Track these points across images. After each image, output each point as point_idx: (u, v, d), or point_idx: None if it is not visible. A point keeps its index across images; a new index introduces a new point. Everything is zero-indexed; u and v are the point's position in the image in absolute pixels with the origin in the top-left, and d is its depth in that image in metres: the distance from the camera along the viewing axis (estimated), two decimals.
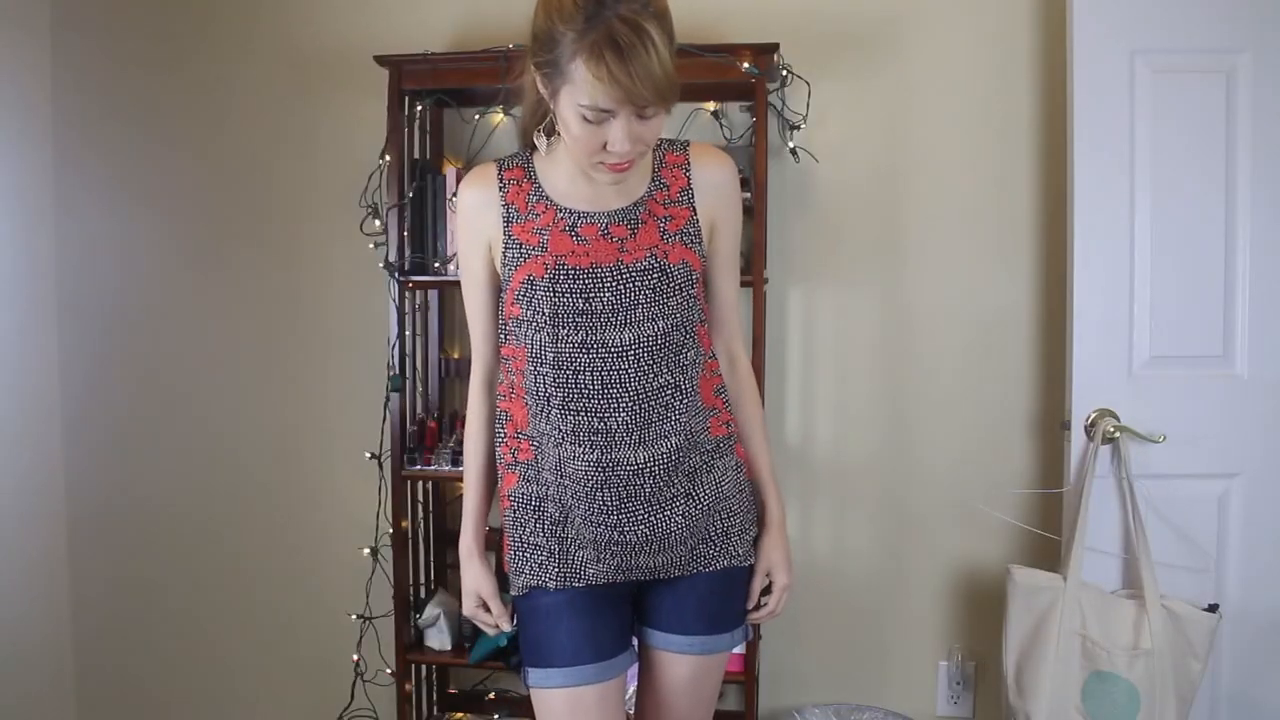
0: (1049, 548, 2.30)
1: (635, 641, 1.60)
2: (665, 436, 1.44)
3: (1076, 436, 2.14)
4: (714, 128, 2.48)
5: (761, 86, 2.26)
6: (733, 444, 1.56)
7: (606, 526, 1.45)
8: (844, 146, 2.49)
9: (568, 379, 1.42)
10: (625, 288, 1.41)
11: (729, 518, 1.53)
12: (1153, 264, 2.14)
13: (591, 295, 1.41)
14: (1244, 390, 2.16)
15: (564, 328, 1.41)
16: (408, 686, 2.48)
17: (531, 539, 1.51)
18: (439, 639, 2.46)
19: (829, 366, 2.54)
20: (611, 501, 1.44)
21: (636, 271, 1.41)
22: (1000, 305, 2.47)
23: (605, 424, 1.42)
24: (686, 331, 1.46)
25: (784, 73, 2.40)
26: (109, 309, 2.77)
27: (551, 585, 1.50)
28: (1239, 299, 2.15)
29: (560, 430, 1.44)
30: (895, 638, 2.55)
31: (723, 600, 1.56)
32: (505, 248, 1.46)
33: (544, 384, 1.44)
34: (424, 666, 2.58)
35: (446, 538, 2.64)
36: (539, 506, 1.50)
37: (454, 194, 2.39)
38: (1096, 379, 2.15)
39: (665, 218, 1.46)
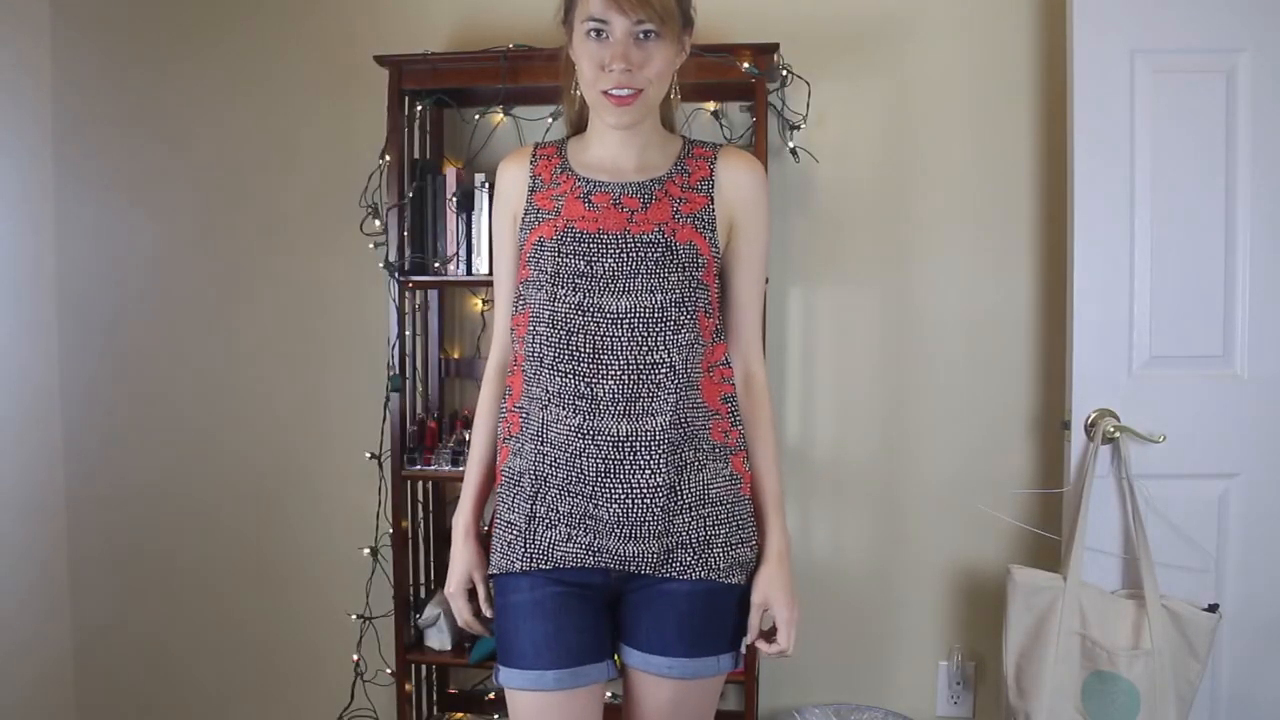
0: (1049, 548, 2.30)
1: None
2: (652, 414, 1.42)
3: (1076, 436, 2.14)
4: (714, 128, 2.48)
5: (761, 86, 2.26)
6: (731, 454, 1.51)
7: (582, 497, 1.43)
8: (844, 146, 2.49)
9: (560, 339, 1.43)
10: (628, 256, 1.43)
11: (713, 527, 1.47)
12: (1153, 264, 2.14)
13: (594, 259, 1.43)
14: (1244, 390, 2.16)
15: (562, 288, 1.44)
16: (408, 686, 2.48)
17: (508, 516, 1.50)
18: (439, 639, 2.46)
19: (829, 366, 2.54)
20: (589, 471, 1.42)
21: (642, 243, 1.43)
22: (1000, 305, 2.47)
23: (592, 389, 1.42)
24: (686, 312, 1.44)
25: (784, 73, 2.40)
26: (109, 309, 2.78)
27: (518, 567, 1.47)
28: (1239, 299, 2.15)
29: (548, 392, 1.44)
30: (895, 638, 2.55)
31: (706, 620, 1.48)
32: (525, 213, 1.53)
33: (539, 344, 1.46)
34: (424, 666, 2.58)
35: (446, 538, 2.63)
36: (518, 480, 1.49)
37: (454, 193, 2.39)
38: (1096, 379, 2.15)
39: (680, 199, 1.48)
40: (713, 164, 1.51)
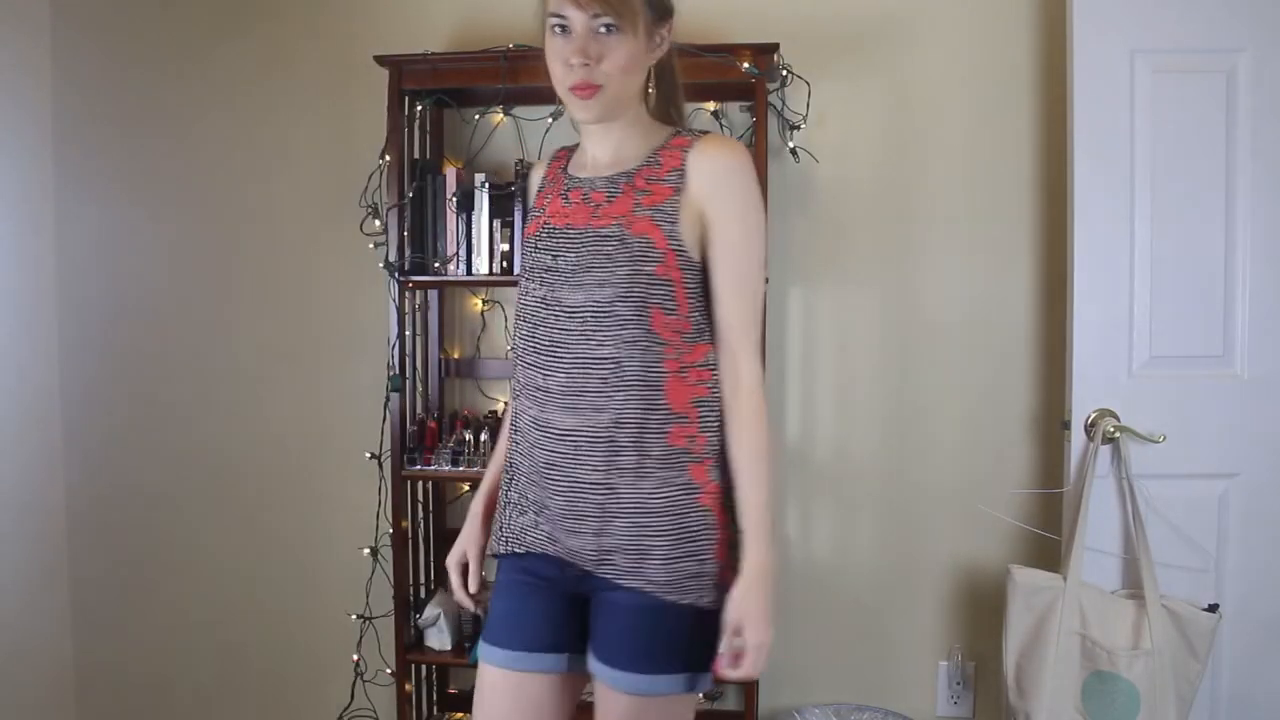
0: (1049, 548, 2.30)
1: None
2: (596, 410, 1.41)
3: (1076, 436, 2.14)
4: (714, 128, 2.48)
5: (761, 86, 2.26)
6: (692, 461, 1.43)
7: (539, 486, 1.47)
8: (844, 146, 2.49)
9: (528, 332, 1.48)
10: (587, 250, 1.43)
11: (654, 538, 1.41)
12: (1153, 264, 2.14)
13: (559, 254, 1.45)
14: (1244, 390, 2.16)
15: (532, 282, 1.48)
16: (408, 686, 2.48)
17: (500, 500, 1.58)
18: (439, 639, 2.46)
19: (829, 366, 2.54)
20: (541, 462, 1.46)
21: (600, 236, 1.43)
22: (1000, 305, 2.47)
23: (545, 381, 1.44)
24: (633, 307, 1.40)
25: (784, 73, 2.40)
26: (109, 309, 2.77)
27: (501, 549, 1.54)
28: (1239, 299, 2.15)
29: (519, 383, 1.50)
30: (895, 638, 2.55)
31: (649, 637, 1.41)
32: (528, 213, 1.60)
33: (516, 337, 1.52)
34: (424, 666, 2.58)
35: (446, 537, 2.64)
36: (507, 468, 1.57)
37: (454, 193, 2.39)
38: (1096, 379, 2.15)
39: (644, 191, 1.44)
40: (686, 152, 1.45)
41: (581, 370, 1.42)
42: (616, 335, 1.41)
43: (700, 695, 1.50)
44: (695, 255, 1.44)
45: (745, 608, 1.38)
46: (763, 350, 2.28)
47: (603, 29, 1.39)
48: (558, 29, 1.41)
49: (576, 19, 1.39)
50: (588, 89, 1.40)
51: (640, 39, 1.42)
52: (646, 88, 1.50)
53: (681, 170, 1.44)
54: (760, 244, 1.46)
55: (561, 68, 1.42)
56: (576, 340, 1.42)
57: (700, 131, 1.51)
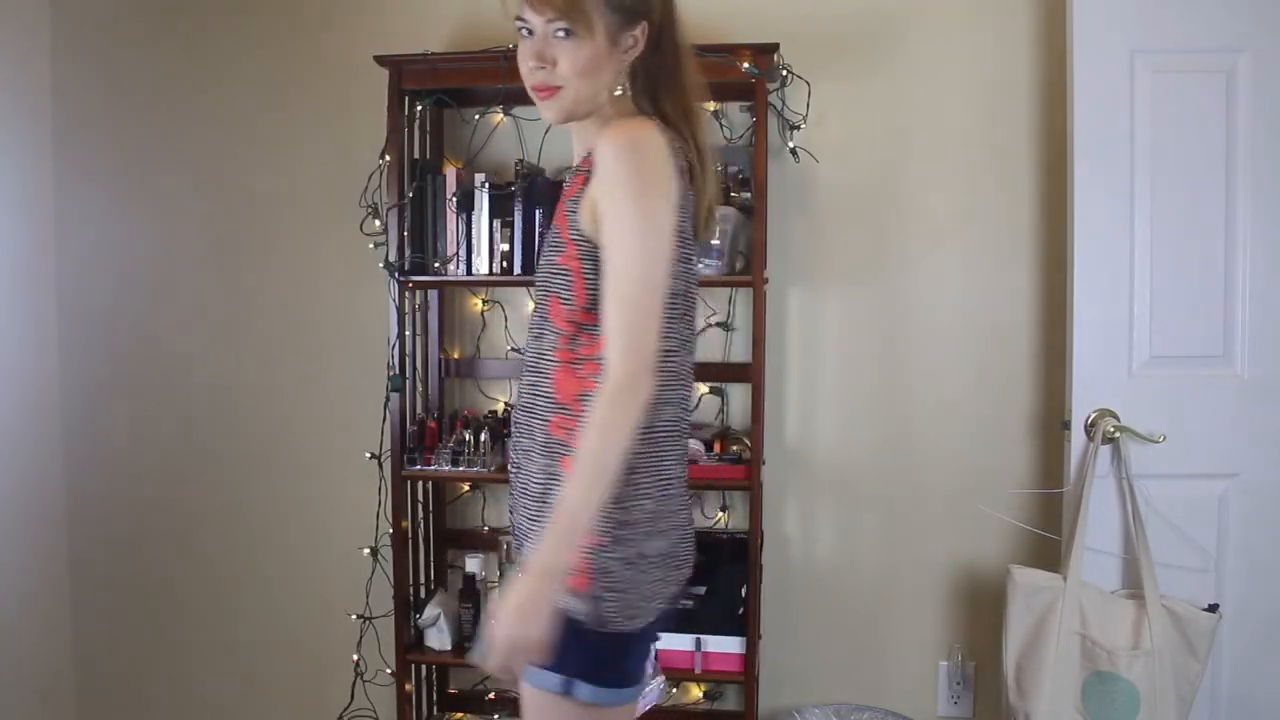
0: (1049, 548, 2.30)
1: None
2: (519, 393, 1.52)
3: (1076, 436, 2.15)
4: (714, 128, 2.48)
5: (761, 86, 2.26)
6: (563, 454, 1.40)
7: None
8: (844, 146, 2.49)
9: None
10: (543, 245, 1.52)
11: (530, 520, 1.44)
12: (1153, 264, 2.14)
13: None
14: (1244, 390, 2.16)
15: None
16: (408, 686, 2.48)
17: None
18: (439, 639, 2.46)
19: (829, 366, 2.54)
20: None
21: (549, 230, 1.50)
22: (1000, 305, 2.46)
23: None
24: (541, 296, 1.46)
25: (784, 73, 2.40)
26: (109, 310, 2.77)
27: None
28: (1239, 299, 2.15)
29: None
30: (895, 638, 2.55)
31: None
32: None
33: None
34: (424, 666, 2.58)
35: (446, 537, 2.65)
36: None
37: (454, 194, 2.39)
38: (1096, 379, 2.15)
39: (572, 184, 1.46)
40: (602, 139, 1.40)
41: (526, 358, 1.51)
42: (534, 323, 1.49)
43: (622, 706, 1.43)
44: (599, 245, 1.38)
45: (502, 598, 1.33)
46: (761, 350, 2.30)
47: (559, 33, 1.39)
48: (523, 31, 1.43)
49: (535, 22, 1.40)
50: (546, 91, 1.42)
51: (599, 42, 1.39)
52: (617, 89, 1.46)
53: (593, 159, 1.40)
54: (647, 233, 1.34)
55: (524, 69, 1.44)
56: (529, 330, 1.52)
57: (630, 120, 1.43)
